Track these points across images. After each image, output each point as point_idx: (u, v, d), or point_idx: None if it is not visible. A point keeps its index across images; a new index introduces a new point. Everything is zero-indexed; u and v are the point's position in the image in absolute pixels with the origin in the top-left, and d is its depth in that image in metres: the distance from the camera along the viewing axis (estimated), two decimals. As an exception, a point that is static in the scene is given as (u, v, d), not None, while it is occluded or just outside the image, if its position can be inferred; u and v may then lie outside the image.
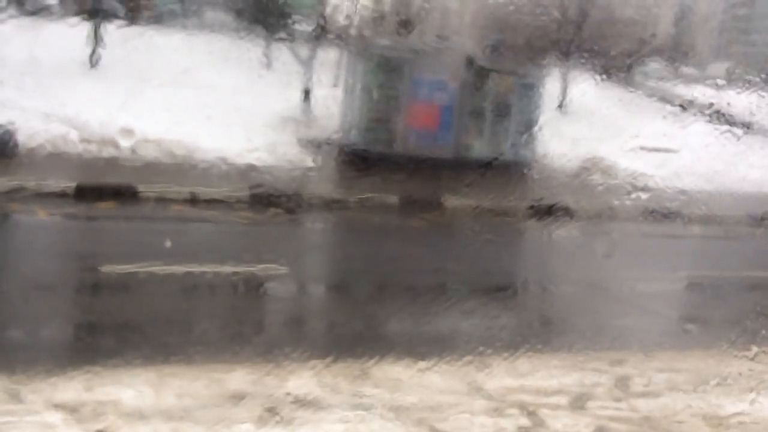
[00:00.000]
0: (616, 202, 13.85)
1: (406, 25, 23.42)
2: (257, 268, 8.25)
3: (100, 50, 20.92)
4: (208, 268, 8.00)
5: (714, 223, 13.24)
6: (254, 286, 7.99)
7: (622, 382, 5.98)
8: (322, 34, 19.82)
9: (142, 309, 6.98)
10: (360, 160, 14.63)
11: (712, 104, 25.12)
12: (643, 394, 5.85)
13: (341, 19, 22.95)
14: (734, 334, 7.56)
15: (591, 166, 16.67)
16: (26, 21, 22.60)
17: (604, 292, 8.94)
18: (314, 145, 15.72)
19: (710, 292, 9.38)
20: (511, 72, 16.29)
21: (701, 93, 27.91)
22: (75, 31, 22.15)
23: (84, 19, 22.84)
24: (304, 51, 18.85)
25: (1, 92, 15.30)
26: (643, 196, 13.73)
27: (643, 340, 7.40)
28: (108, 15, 22.73)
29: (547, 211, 12.87)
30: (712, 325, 8.02)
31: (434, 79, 15.24)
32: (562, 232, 12.32)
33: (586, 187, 15.16)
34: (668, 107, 26.87)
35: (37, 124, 13.31)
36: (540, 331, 7.33)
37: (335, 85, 20.08)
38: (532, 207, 13.00)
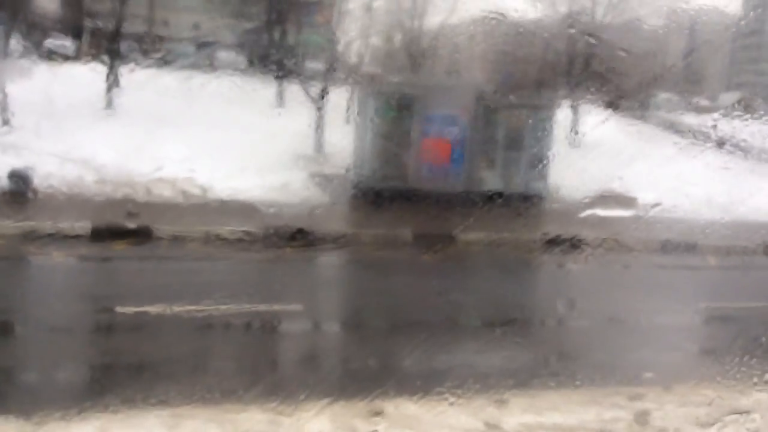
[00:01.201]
0: (630, 234, 13.79)
1: (416, 61, 23.67)
2: (271, 307, 8.25)
3: (115, 92, 21.25)
4: (222, 307, 8.01)
5: (730, 252, 13.13)
6: (268, 325, 7.98)
7: (642, 417, 5.89)
8: (333, 72, 20.06)
9: (157, 349, 6.98)
10: (372, 196, 14.68)
11: (724, 134, 25.11)
12: (662, 429, 5.76)
13: (352, 57, 23.24)
14: (754, 367, 7.46)
15: (604, 197, 16.62)
16: (42, 64, 23.05)
17: (620, 325, 8.84)
18: (327, 182, 15.80)
19: (728, 323, 9.27)
20: (521, 105, 16.36)
21: (713, 123, 27.91)
22: (91, 74, 22.54)
23: (99, 62, 23.27)
24: (315, 89, 19.06)
25: (18, 135, 15.56)
26: (657, 226, 13.68)
27: (662, 374, 7.31)
28: (123, 58, 23.13)
29: (560, 244, 12.83)
30: (731, 358, 7.91)
31: (445, 114, 15.33)
32: (577, 264, 12.27)
33: (600, 218, 15.10)
34: (680, 137, 26.87)
35: (53, 167, 13.47)
36: (557, 365, 7.24)
37: (347, 122, 20.27)
38: (545, 240, 12.97)
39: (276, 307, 8.28)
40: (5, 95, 16.96)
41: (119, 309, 7.71)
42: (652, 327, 8.72)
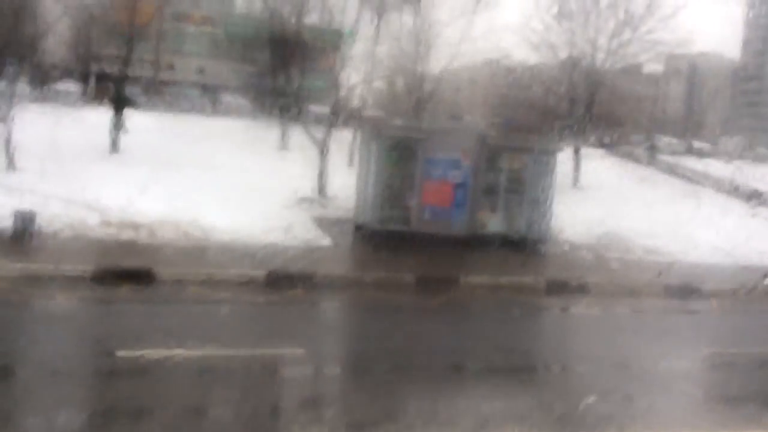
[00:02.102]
0: (634, 277, 13.76)
1: (418, 105, 23.90)
2: (272, 351, 8.21)
3: (121, 135, 21.46)
4: (223, 352, 7.98)
5: (734, 297, 13.07)
6: (269, 369, 7.92)
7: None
8: (336, 115, 20.24)
9: (157, 395, 6.92)
10: (375, 238, 14.71)
11: (725, 177, 25.17)
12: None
13: (355, 101, 23.48)
14: (760, 413, 7.38)
15: (606, 241, 16.63)
16: (50, 107, 23.31)
17: (626, 371, 8.76)
18: (330, 224, 15.84)
19: (734, 369, 9.18)
20: (523, 148, 16.45)
21: (714, 166, 28.05)
22: (97, 117, 22.78)
23: (106, 105, 23.53)
24: (319, 132, 19.21)
25: (24, 177, 15.67)
26: (661, 270, 13.64)
27: (668, 421, 7.23)
28: (129, 101, 23.40)
29: (564, 288, 12.80)
30: (737, 404, 7.82)
31: (447, 158, 15.43)
32: (580, 308, 12.22)
33: (603, 262, 15.09)
34: (681, 180, 26.96)
35: (57, 209, 13.54)
36: (562, 412, 7.16)
37: (350, 165, 20.39)
38: (548, 284, 12.93)
39: (277, 351, 8.23)
40: (12, 137, 17.12)
41: (120, 353, 7.66)
42: (658, 373, 8.64)
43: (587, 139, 22.90)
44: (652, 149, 30.04)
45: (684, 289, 13.10)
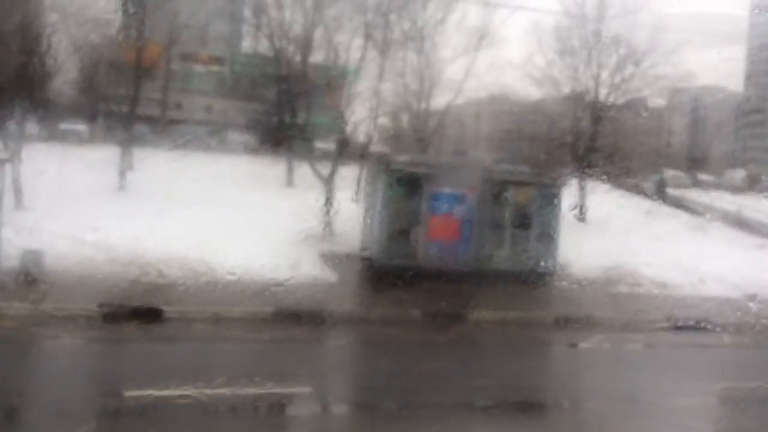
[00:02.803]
0: (643, 311, 13.67)
1: (423, 140, 24.03)
2: (279, 389, 8.16)
3: (128, 173, 21.58)
4: (230, 391, 7.93)
5: (744, 331, 12.95)
6: (276, 408, 7.87)
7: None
8: (342, 151, 20.35)
9: (165, 434, 6.88)
10: (382, 274, 14.67)
11: (731, 210, 25.12)
12: None
13: (361, 137, 23.63)
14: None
15: (614, 275, 16.56)
16: (57, 146, 23.50)
17: (637, 408, 8.66)
18: (336, 261, 15.83)
19: (746, 405, 9.06)
20: (529, 183, 16.48)
21: (719, 198, 28.02)
22: (105, 156, 22.95)
23: (113, 144, 23.73)
24: (324, 168, 19.30)
25: (31, 217, 15.72)
26: (667, 303, 13.56)
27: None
28: (137, 140, 23.59)
29: (572, 323, 12.72)
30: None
31: (453, 193, 15.47)
32: (589, 343, 12.12)
33: (611, 296, 15.01)
34: (687, 213, 26.92)
35: (64, 247, 13.56)
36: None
37: (356, 201, 20.44)
38: (556, 318, 12.86)
39: (284, 389, 8.19)
40: (20, 177, 17.24)
41: (127, 393, 7.63)
42: (670, 409, 8.54)
43: (592, 172, 22.92)
44: (662, 183, 29.98)
45: (693, 323, 13.00)
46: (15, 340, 9.49)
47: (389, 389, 8.62)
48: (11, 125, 17.90)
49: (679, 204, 28.17)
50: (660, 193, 29.01)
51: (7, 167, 16.71)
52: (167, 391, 7.56)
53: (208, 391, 7.76)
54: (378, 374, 9.49)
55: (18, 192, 17.19)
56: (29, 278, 12.12)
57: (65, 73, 25.40)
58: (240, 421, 7.41)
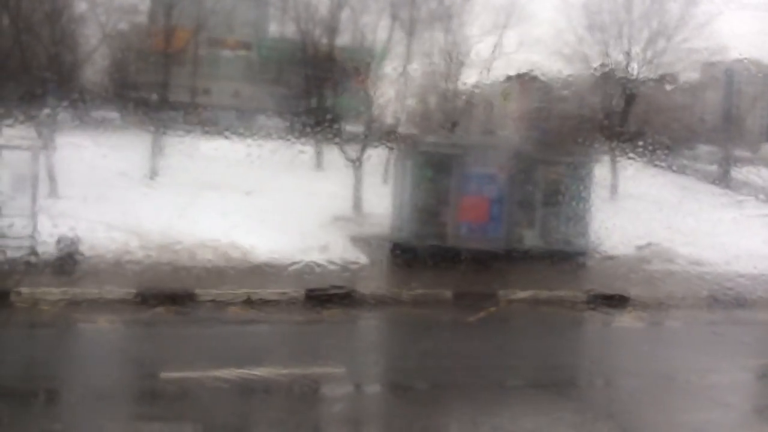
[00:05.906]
0: (677, 289, 13.50)
1: (452, 121, 23.89)
2: (313, 369, 8.22)
3: (159, 160, 21.80)
4: (264, 372, 8.00)
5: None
6: (310, 388, 7.93)
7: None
8: (371, 133, 20.33)
9: (200, 415, 6.97)
10: (412, 256, 14.66)
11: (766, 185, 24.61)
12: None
13: (389, 119, 23.56)
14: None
15: (647, 252, 16.36)
16: (88, 135, 23.79)
17: (673, 385, 8.58)
18: (366, 243, 15.86)
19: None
20: (559, 161, 16.30)
21: (755, 174, 27.47)
22: (136, 143, 23.18)
23: (144, 131, 23.96)
24: (353, 151, 19.30)
25: (66, 204, 15.98)
26: (702, 281, 13.38)
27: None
28: (167, 126, 23.78)
29: (605, 301, 12.61)
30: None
31: (483, 172, 15.36)
32: (623, 321, 12.02)
33: (644, 274, 14.84)
34: (721, 189, 26.45)
35: (99, 234, 13.77)
36: (608, 429, 7.03)
37: (385, 183, 20.42)
38: (589, 297, 12.76)
39: (318, 369, 8.25)
40: (54, 165, 17.50)
41: (163, 375, 7.75)
42: (706, 386, 8.45)
43: (624, 149, 22.61)
44: (690, 157, 29.44)
45: (728, 300, 12.81)
46: (53, 325, 9.69)
47: (421, 369, 8.64)
48: (44, 114, 18.14)
49: (712, 179, 27.67)
50: (684, 168, 28.38)
51: (41, 155, 16.99)
52: (202, 373, 7.66)
53: (242, 372, 7.84)
54: (410, 355, 9.51)
55: (52, 180, 17.46)
56: (65, 265, 12.33)
57: (95, 61, 25.67)
58: (276, 401, 7.48)
